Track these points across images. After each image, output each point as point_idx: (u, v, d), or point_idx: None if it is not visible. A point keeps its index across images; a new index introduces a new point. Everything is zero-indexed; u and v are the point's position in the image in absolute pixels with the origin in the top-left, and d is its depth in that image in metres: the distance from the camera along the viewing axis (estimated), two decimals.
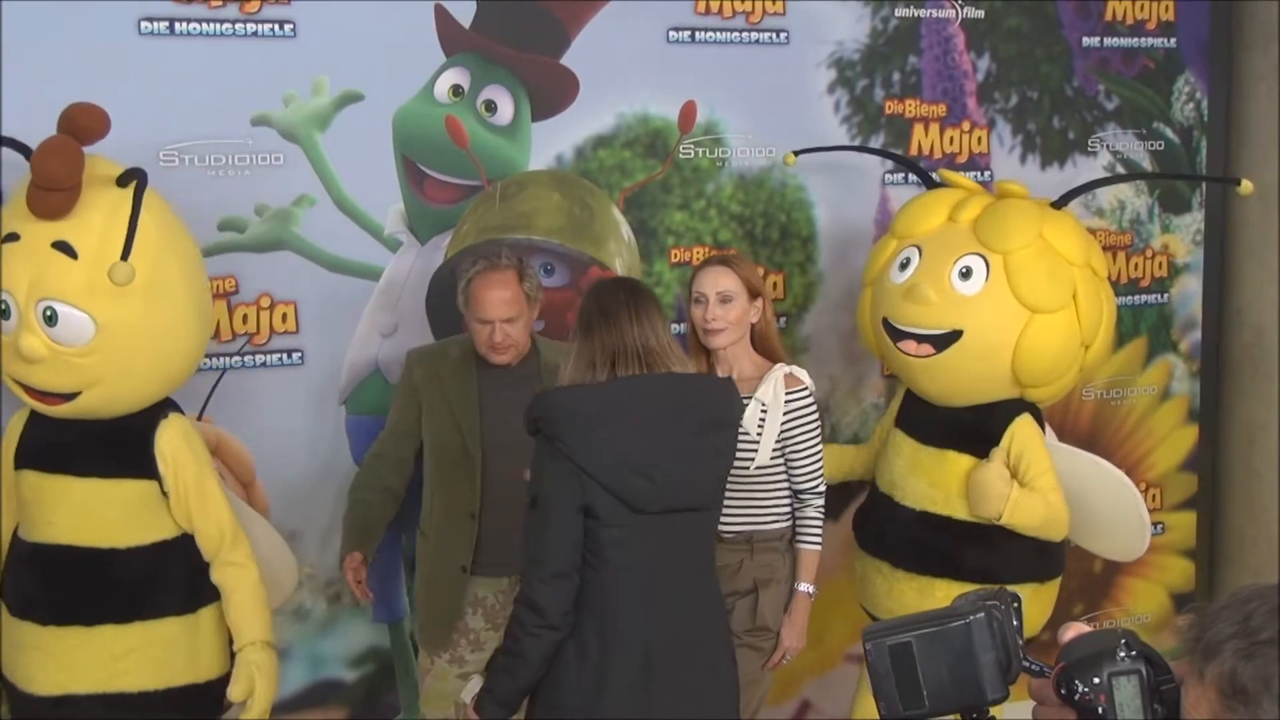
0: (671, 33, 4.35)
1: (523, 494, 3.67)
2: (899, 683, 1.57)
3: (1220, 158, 5.19)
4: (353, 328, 4.07)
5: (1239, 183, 4.07)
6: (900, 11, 4.66)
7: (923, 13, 4.69)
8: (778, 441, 3.70)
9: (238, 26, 3.88)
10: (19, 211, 3.24)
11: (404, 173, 4.10)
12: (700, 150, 4.43)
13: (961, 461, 3.89)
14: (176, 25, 3.82)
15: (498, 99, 4.19)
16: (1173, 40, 5.06)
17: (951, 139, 4.76)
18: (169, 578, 3.44)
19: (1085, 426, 5.10)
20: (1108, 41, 4.98)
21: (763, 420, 3.68)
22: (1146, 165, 5.05)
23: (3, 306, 3.25)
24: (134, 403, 3.39)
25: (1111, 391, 5.14)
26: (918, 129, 4.72)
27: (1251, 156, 5.15)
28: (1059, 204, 4.01)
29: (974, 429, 3.90)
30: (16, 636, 3.41)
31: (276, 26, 3.92)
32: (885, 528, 4.06)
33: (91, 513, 3.37)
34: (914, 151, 4.71)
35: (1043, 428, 3.96)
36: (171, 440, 3.41)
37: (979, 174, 4.74)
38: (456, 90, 4.14)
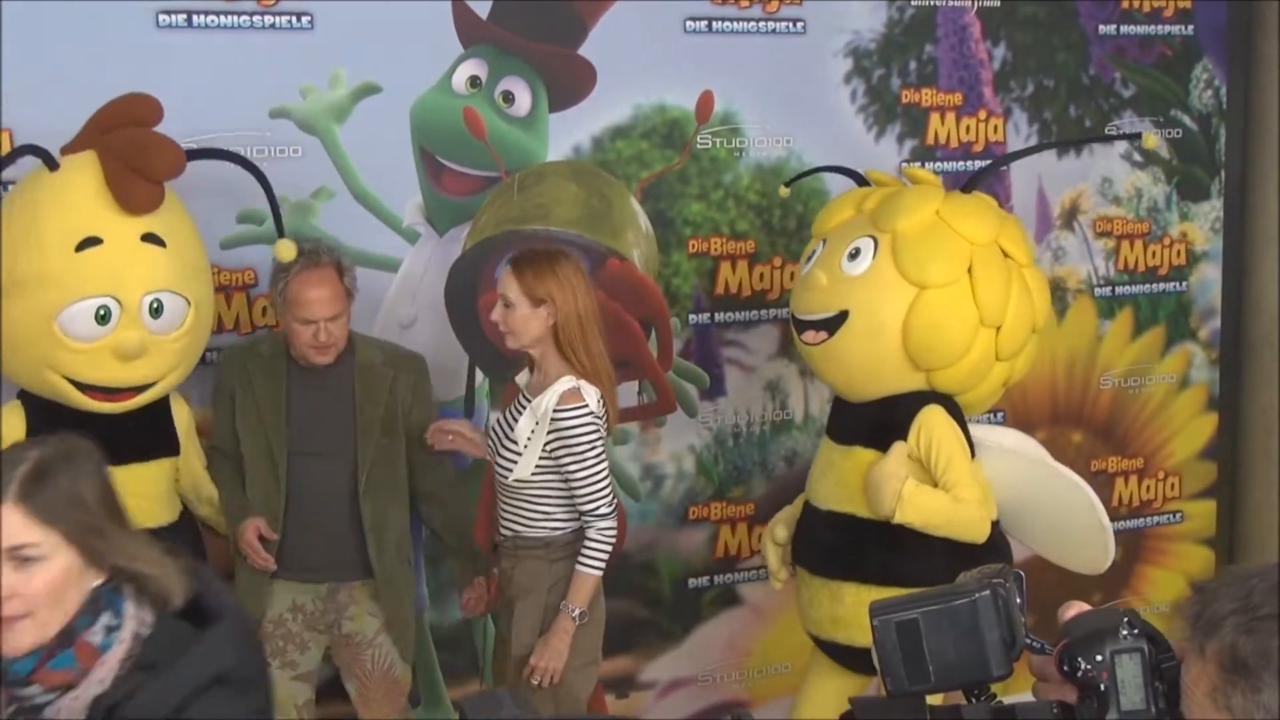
0: (688, 23, 4.36)
1: (329, 496, 3.68)
2: (905, 658, 1.59)
3: (1239, 144, 5.17)
4: (372, 320, 4.07)
5: (1140, 137, 4.14)
6: (916, 1, 4.66)
7: (939, 2, 4.69)
8: (548, 458, 3.52)
9: (255, 19, 3.91)
10: (88, 215, 3.29)
11: (422, 164, 4.12)
12: (718, 140, 4.44)
13: (866, 457, 3.70)
14: (194, 18, 3.85)
15: (515, 90, 4.20)
16: (1190, 27, 5.05)
17: (968, 128, 4.76)
18: (194, 546, 3.58)
19: (1103, 414, 5.10)
20: (1124, 29, 4.96)
21: (533, 432, 3.51)
22: (1164, 153, 5.05)
23: (102, 312, 3.28)
24: (182, 381, 3.56)
25: (1130, 380, 5.13)
26: (934, 118, 4.71)
27: (1270, 143, 5.13)
28: (967, 188, 3.94)
29: (879, 422, 3.72)
30: None
31: (294, 19, 3.94)
32: (802, 533, 3.91)
33: (139, 496, 3.37)
34: (930, 141, 4.71)
35: (961, 423, 3.74)
36: (183, 411, 3.61)
37: None
38: (474, 81, 4.15)
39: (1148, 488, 5.18)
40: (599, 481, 3.53)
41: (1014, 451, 3.89)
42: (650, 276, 4.30)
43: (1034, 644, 1.61)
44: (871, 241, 3.73)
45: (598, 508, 3.54)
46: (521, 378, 3.68)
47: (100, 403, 3.39)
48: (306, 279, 3.57)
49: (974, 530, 3.63)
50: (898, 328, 3.66)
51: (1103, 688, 1.52)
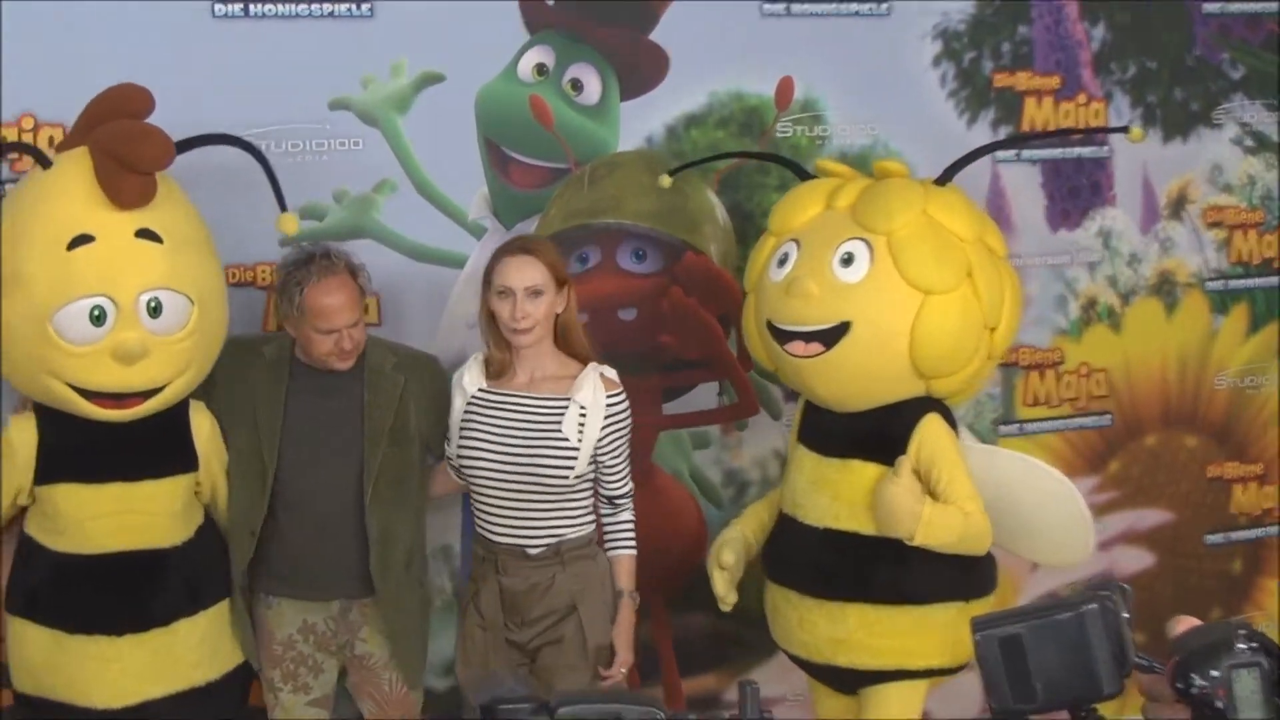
0: (766, 5, 4.25)
1: (333, 508, 3.51)
2: (1009, 675, 1.55)
3: None
4: (438, 318, 4.01)
5: (1127, 130, 3.90)
6: None
7: None
8: (594, 446, 3.51)
9: (314, 8, 3.84)
10: (79, 212, 3.21)
11: (487, 156, 4.03)
12: (798, 129, 4.31)
13: (866, 471, 3.57)
14: (251, 8, 3.79)
15: (584, 77, 4.11)
16: None
17: (1066, 113, 4.58)
18: (213, 562, 3.52)
19: (1220, 417, 4.91)
20: (1230, 7, 4.76)
21: (582, 425, 3.46)
22: (1277, 137, 4.84)
23: (97, 312, 3.19)
24: (196, 384, 3.42)
25: (1247, 379, 4.94)
26: (1029, 103, 4.54)
27: None
28: (942, 180, 3.73)
29: (876, 434, 3.59)
30: (75, 652, 3.35)
31: (353, 7, 3.87)
32: (788, 551, 3.75)
33: (149, 514, 3.39)
34: (1027, 127, 4.53)
35: (954, 427, 3.64)
36: (204, 422, 3.48)
37: (1096, 148, 4.58)
38: (541, 69, 4.06)
39: (1269, 495, 4.98)
40: (629, 463, 3.64)
41: (989, 449, 3.83)
42: (728, 271, 4.18)
43: (1143, 662, 1.55)
44: (864, 245, 3.55)
45: (631, 488, 3.66)
46: (472, 379, 3.56)
47: (108, 410, 3.27)
48: (324, 287, 3.44)
49: (980, 544, 3.57)
50: (905, 337, 3.52)
51: (1219, 705, 1.44)
